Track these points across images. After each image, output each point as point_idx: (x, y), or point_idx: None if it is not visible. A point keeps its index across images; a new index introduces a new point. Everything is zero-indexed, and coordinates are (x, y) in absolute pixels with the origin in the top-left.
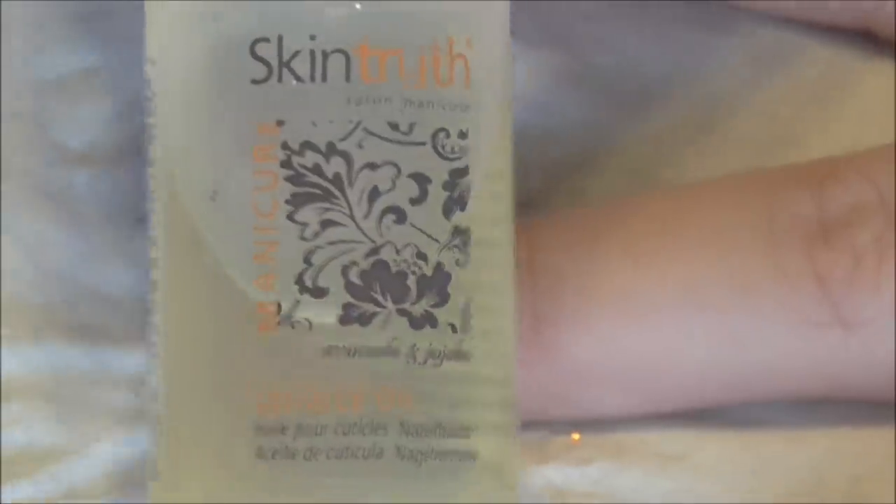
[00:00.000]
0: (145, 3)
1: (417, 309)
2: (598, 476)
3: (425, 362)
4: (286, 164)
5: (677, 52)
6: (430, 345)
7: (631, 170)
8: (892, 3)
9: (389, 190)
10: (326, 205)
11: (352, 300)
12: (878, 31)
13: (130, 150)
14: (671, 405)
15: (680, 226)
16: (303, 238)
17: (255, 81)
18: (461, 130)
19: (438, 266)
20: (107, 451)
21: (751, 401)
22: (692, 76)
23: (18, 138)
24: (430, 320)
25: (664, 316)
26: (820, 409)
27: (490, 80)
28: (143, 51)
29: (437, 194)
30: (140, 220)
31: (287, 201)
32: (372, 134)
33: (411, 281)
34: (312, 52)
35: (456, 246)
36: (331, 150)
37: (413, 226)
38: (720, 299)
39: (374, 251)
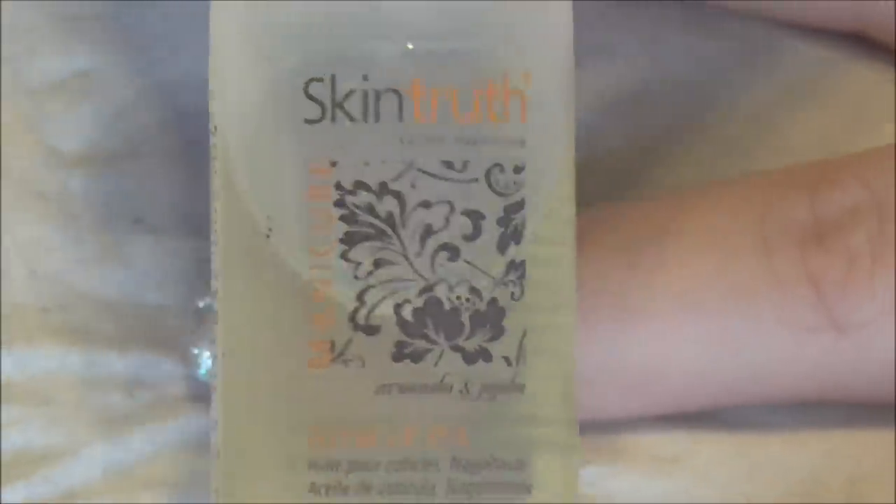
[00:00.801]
0: (210, 36)
1: (471, 344)
2: (594, 478)
3: (479, 397)
4: (340, 203)
5: (668, 55)
6: (484, 379)
7: (623, 173)
8: (882, 3)
9: (443, 228)
10: (379, 244)
11: (404, 338)
12: (870, 33)
13: (126, 152)
14: (667, 408)
15: (675, 230)
16: (356, 277)
17: (308, 121)
18: (517, 165)
19: (493, 301)
20: (102, 453)
21: (746, 403)
22: (683, 79)
23: (13, 141)
24: (483, 355)
25: (659, 320)
26: (816, 412)
27: (550, 112)
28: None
29: (491, 230)
30: (135, 222)
31: (341, 240)
32: (425, 173)
33: (465, 317)
34: (365, 92)
35: (511, 280)
36: (383, 190)
37: (467, 262)
38: (715, 303)
39: (428, 289)
